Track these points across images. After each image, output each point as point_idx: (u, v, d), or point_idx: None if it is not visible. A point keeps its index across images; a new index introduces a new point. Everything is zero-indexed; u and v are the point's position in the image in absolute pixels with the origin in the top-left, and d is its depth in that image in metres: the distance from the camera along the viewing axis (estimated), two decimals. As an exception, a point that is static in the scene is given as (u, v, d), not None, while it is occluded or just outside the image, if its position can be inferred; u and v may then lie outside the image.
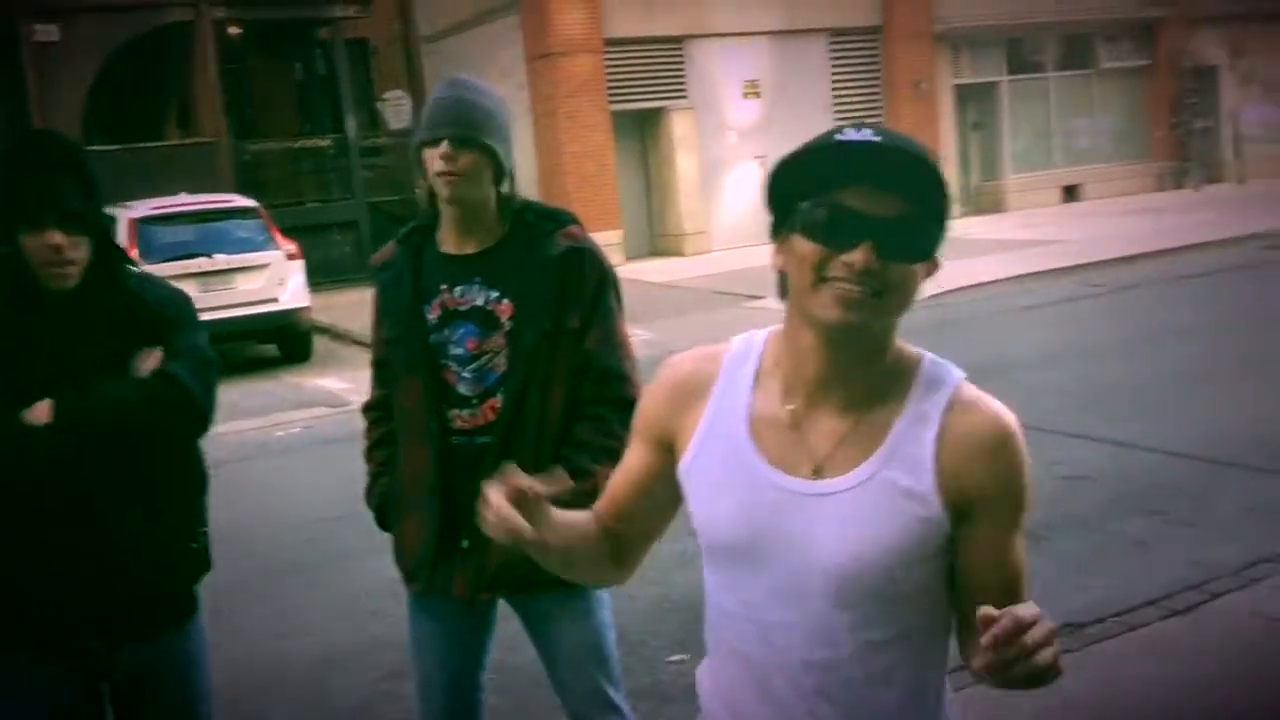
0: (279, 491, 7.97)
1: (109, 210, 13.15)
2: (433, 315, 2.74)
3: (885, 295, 1.50)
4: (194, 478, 2.62)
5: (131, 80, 19.19)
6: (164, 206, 13.10)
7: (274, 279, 12.76)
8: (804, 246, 1.51)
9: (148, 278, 2.65)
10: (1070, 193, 23.72)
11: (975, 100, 23.17)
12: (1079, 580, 5.06)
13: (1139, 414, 7.76)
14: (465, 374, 2.71)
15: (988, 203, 23.15)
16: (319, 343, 13.73)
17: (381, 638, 5.04)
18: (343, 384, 11.62)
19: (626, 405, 2.44)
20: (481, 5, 20.64)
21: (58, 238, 2.35)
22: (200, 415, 2.52)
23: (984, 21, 22.04)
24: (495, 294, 2.70)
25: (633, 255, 19.02)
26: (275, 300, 12.72)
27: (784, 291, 1.60)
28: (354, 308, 16.03)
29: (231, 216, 13.22)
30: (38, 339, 2.42)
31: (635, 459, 1.76)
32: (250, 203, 13.66)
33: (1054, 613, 4.77)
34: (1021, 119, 23.52)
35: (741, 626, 1.63)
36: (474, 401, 2.69)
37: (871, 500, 1.55)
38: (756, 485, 1.59)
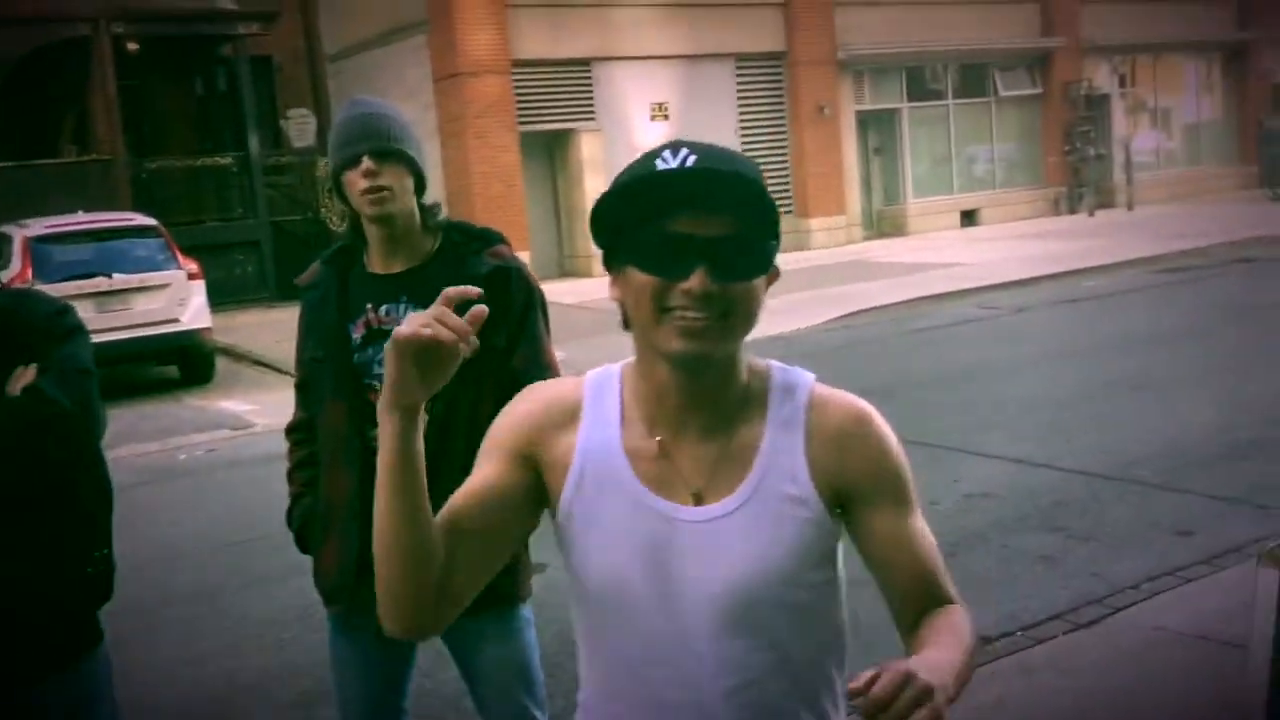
0: (183, 516, 7.79)
1: (1, 229, 12.83)
2: (357, 334, 2.72)
3: (730, 316, 1.48)
4: (88, 497, 2.45)
5: (26, 96, 18.70)
6: (60, 225, 12.78)
7: (175, 299, 12.49)
8: (639, 279, 1.48)
9: (24, 293, 2.53)
10: (969, 217, 24.32)
11: (877, 126, 23.67)
12: (986, 595, 5.16)
13: (1037, 432, 7.97)
14: (390, 394, 2.69)
15: (889, 226, 23.63)
16: (221, 364, 13.47)
17: (292, 664, 4.96)
18: (246, 406, 11.42)
19: None
20: (387, 24, 20.52)
21: None
22: (75, 429, 2.34)
23: (885, 50, 22.55)
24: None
25: (542, 276, 18.72)
26: (176, 320, 12.45)
27: (627, 323, 1.57)
28: (256, 328, 15.82)
29: (131, 235, 12.91)
30: None
31: (490, 475, 1.59)
32: (150, 221, 13.37)
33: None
34: (921, 145, 24.08)
35: (645, 670, 1.57)
36: (398, 422, 2.67)
37: (759, 516, 1.54)
38: (645, 518, 1.55)
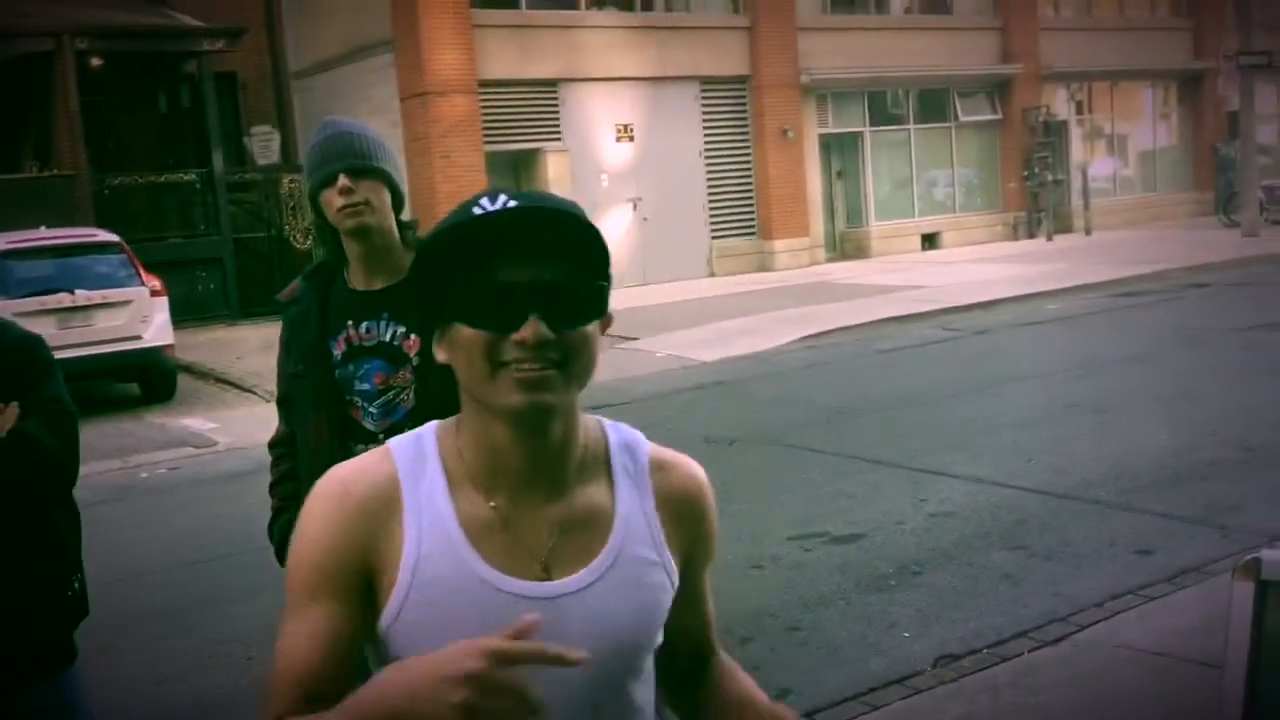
0: (146, 534, 7.73)
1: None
2: (338, 351, 2.75)
3: (567, 364, 1.38)
4: (66, 528, 2.54)
5: (-14, 111, 18.55)
6: (22, 241, 12.66)
7: (137, 316, 12.39)
8: (468, 335, 1.37)
9: None
10: (929, 240, 24.58)
11: (840, 149, 23.89)
12: (951, 613, 5.23)
13: (998, 452, 8.07)
14: (372, 409, 2.72)
15: (852, 249, 23.84)
16: (183, 381, 13.38)
17: (260, 683, 4.93)
18: (209, 424, 11.35)
19: None
20: (353, 43, 20.51)
21: None
22: (60, 473, 2.45)
23: (847, 74, 22.78)
24: (403, 329, 2.71)
25: (506, 296, 18.98)
26: (138, 338, 12.34)
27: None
28: (219, 345, 15.72)
29: (93, 251, 12.81)
30: None
31: (328, 618, 1.39)
32: (112, 237, 13.28)
33: (929, 644, 4.98)
34: (883, 168, 24.31)
35: None
36: (380, 437, 2.69)
37: (620, 586, 1.46)
38: (494, 600, 1.40)
